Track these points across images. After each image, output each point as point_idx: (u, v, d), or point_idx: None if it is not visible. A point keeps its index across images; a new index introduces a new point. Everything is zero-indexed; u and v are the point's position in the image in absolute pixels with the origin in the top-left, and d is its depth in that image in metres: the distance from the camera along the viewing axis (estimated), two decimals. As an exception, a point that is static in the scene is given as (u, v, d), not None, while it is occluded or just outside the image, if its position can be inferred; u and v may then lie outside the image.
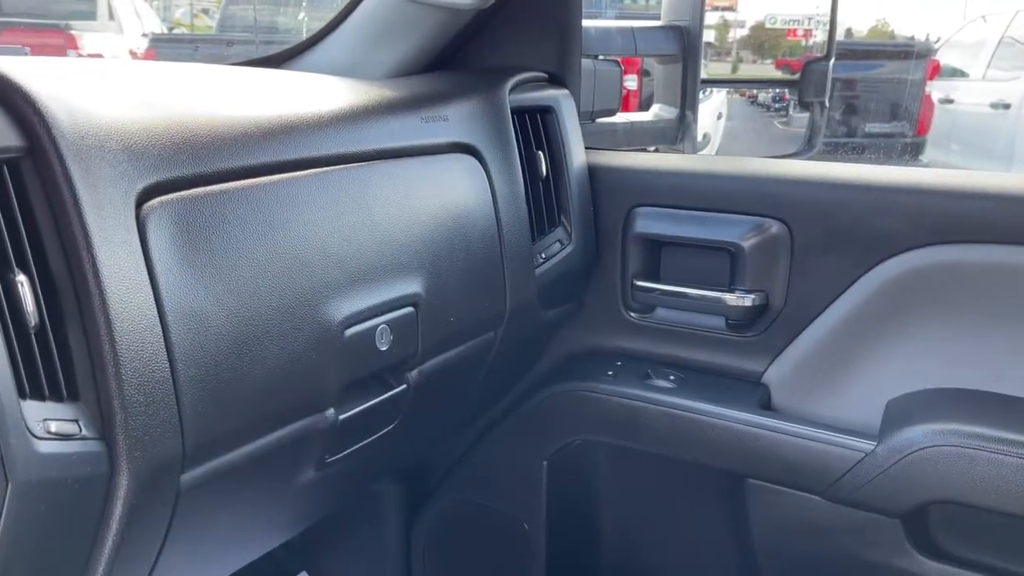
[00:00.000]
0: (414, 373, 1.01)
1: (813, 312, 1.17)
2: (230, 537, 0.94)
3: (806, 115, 2.29)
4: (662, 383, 1.23)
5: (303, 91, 1.04)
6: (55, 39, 8.31)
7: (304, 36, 1.33)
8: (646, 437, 1.22)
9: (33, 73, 0.67)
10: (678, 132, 1.86)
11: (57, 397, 0.63)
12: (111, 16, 9.44)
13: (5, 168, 0.62)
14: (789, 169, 1.27)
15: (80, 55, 8.55)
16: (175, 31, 11.67)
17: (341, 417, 0.91)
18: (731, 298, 1.21)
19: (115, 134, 0.70)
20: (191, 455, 0.73)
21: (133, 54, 9.18)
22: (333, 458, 0.95)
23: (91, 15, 9.19)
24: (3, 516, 0.57)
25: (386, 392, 0.98)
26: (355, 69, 1.24)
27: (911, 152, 6.05)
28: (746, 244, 1.19)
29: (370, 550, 1.47)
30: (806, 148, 2.26)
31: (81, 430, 0.64)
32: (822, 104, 2.21)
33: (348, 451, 0.96)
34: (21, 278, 0.61)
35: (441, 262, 1.02)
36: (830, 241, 1.15)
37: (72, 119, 0.66)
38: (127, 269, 0.67)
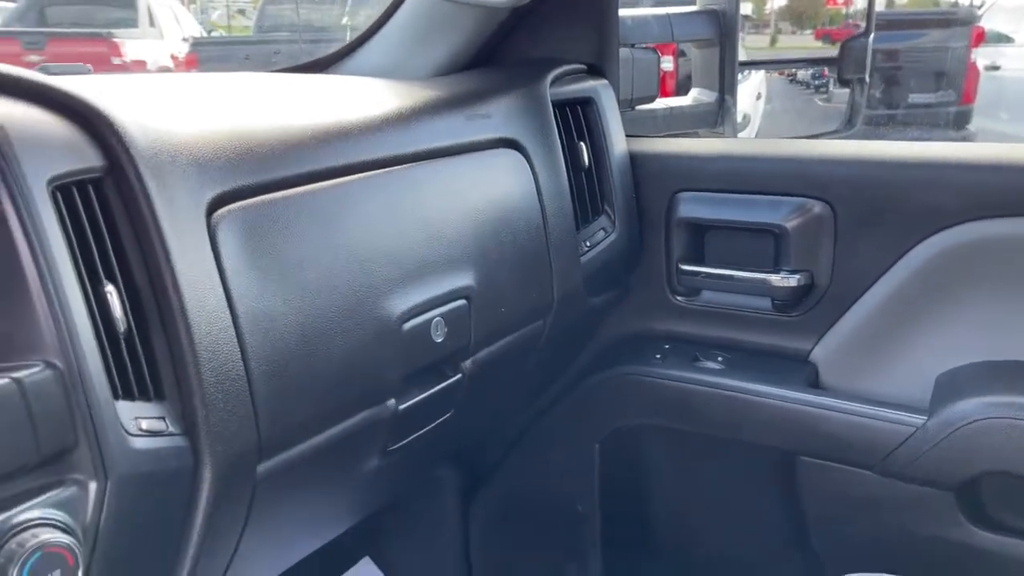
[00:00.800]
0: (468, 363, 1.05)
1: (859, 290, 1.18)
2: (302, 524, 0.99)
3: (847, 91, 2.27)
4: (711, 365, 1.25)
5: (353, 96, 1.08)
6: (99, 47, 8.50)
7: (347, 33, 1.37)
8: (696, 419, 1.25)
9: (108, 94, 0.72)
10: (718, 116, 1.87)
11: (145, 397, 0.68)
12: (151, 22, 9.62)
13: (91, 187, 0.66)
14: (830, 149, 1.28)
15: (124, 62, 8.74)
16: (213, 33, 11.86)
17: (401, 407, 0.95)
18: (776, 279, 1.22)
19: (185, 149, 0.74)
20: (266, 447, 0.78)
21: (175, 59, 9.37)
22: (395, 446, 0.99)
23: (132, 22, 9.38)
24: (104, 509, 0.62)
25: (442, 382, 1.02)
26: (398, 70, 1.28)
27: (957, 122, 5.93)
28: (790, 225, 1.20)
29: (429, 535, 1.52)
30: (846, 126, 2.24)
31: (168, 427, 0.68)
32: (862, 81, 2.19)
33: (409, 439, 1.01)
34: (109, 288, 0.65)
35: (490, 255, 1.05)
36: (874, 219, 1.16)
37: (146, 137, 0.70)
38: (201, 276, 0.71)
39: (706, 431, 1.25)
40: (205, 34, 10.90)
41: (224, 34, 12.04)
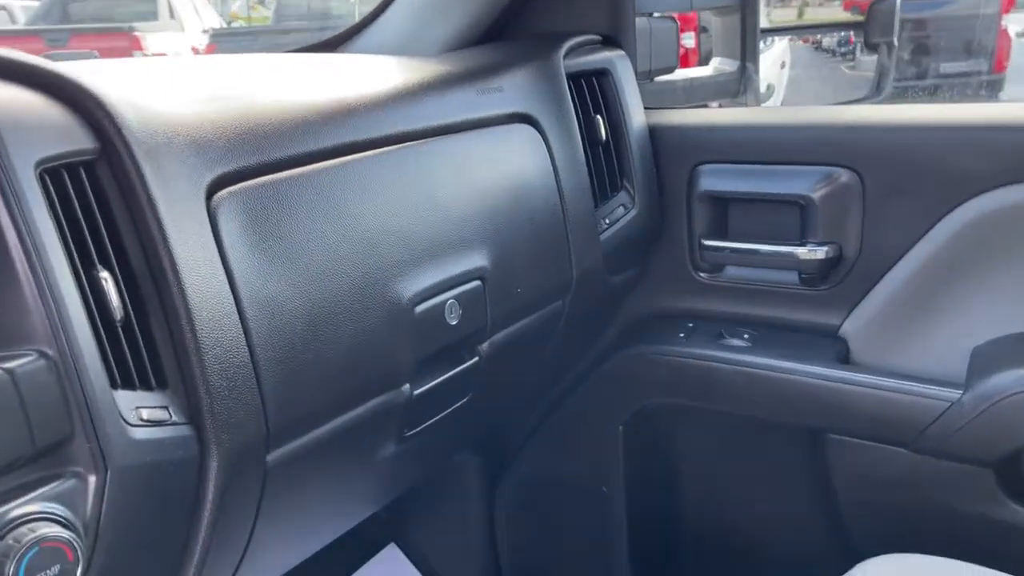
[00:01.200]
0: (485, 346, 1.02)
1: (889, 261, 1.13)
2: (318, 513, 0.97)
3: (874, 58, 2.20)
4: (736, 342, 1.22)
5: (359, 73, 1.05)
6: (121, 42, 8.55)
7: (357, 19, 1.34)
8: (722, 397, 1.21)
9: (100, 76, 0.69)
10: (740, 85, 1.82)
11: (147, 386, 0.66)
12: (172, 15, 9.66)
13: (82, 170, 0.64)
14: (856, 115, 1.23)
15: (145, 55, 8.79)
16: (233, 24, 11.88)
17: (416, 392, 0.93)
18: (803, 252, 1.18)
19: (182, 129, 0.72)
20: (275, 435, 0.76)
21: (195, 51, 9.40)
22: (411, 432, 0.97)
23: (152, 15, 9.42)
24: (104, 501, 0.60)
25: (459, 366, 0.99)
26: (408, 47, 1.24)
27: (989, 90, 5.78)
28: (816, 195, 1.16)
29: (454, 520, 1.50)
30: (874, 92, 2.17)
31: (171, 416, 0.66)
32: (890, 45, 2.12)
33: (426, 424, 0.98)
34: (104, 274, 0.63)
35: (505, 234, 1.02)
36: (904, 186, 1.11)
37: (140, 118, 0.68)
38: (202, 260, 0.69)
39: (732, 409, 1.22)
40: (225, 25, 10.92)
41: (244, 24, 12.06)
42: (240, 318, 0.71)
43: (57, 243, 0.60)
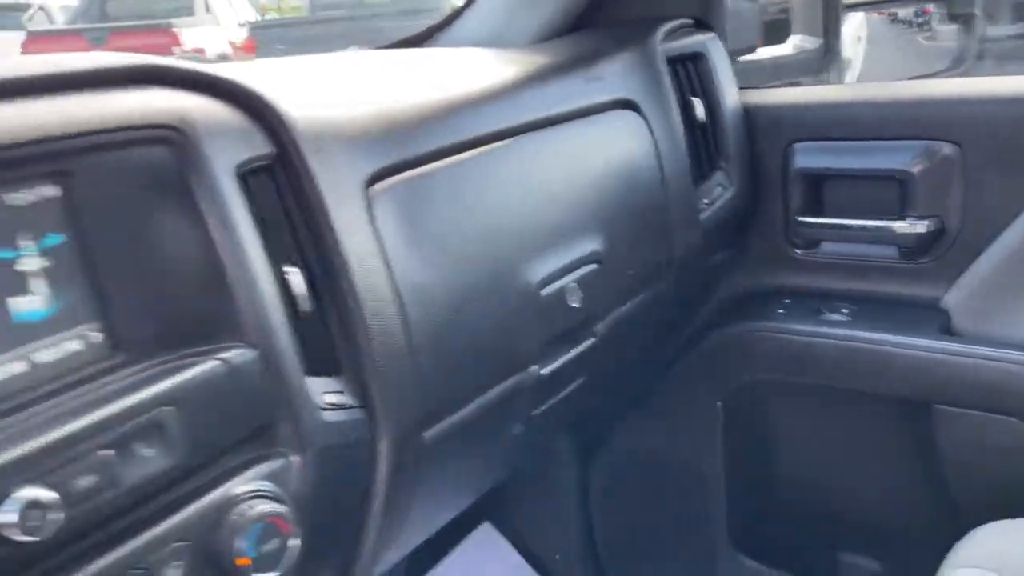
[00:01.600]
0: (600, 326, 1.05)
1: (992, 232, 1.14)
2: (450, 492, 1.01)
3: (951, 27, 2.16)
4: (835, 317, 1.23)
5: (470, 67, 1.08)
6: (161, 39, 8.66)
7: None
8: (824, 371, 1.23)
9: (266, 83, 0.73)
10: (822, 62, 1.81)
11: (327, 373, 0.70)
12: (207, 8, 9.75)
13: (264, 174, 0.68)
14: (957, 88, 1.24)
15: (184, 51, 8.89)
16: (266, 17, 11.95)
17: (543, 372, 0.96)
18: (902, 226, 1.19)
19: (341, 131, 0.76)
20: (429, 416, 0.80)
21: (232, 44, 9.48)
22: (536, 411, 1.00)
23: (189, 11, 9.51)
24: (306, 481, 0.64)
25: (578, 347, 1.02)
26: (497, 40, 1.27)
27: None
28: (915, 170, 1.17)
29: (549, 499, 1.53)
30: (955, 64, 2.14)
31: (348, 400, 0.70)
32: (972, 16, 2.09)
33: (549, 404, 1.02)
34: (293, 270, 0.67)
35: (616, 218, 1.05)
36: (1007, 158, 1.12)
37: (308, 123, 0.72)
38: (366, 252, 0.73)
39: (834, 384, 1.24)
40: (259, 17, 10.99)
41: (276, 15, 12.12)
42: (399, 305, 0.75)
43: (256, 242, 0.64)
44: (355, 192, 0.74)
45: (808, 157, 1.25)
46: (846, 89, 1.30)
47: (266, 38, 8.54)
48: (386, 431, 0.73)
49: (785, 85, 1.65)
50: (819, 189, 1.27)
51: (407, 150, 0.81)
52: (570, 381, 1.05)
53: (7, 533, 0.48)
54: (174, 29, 8.91)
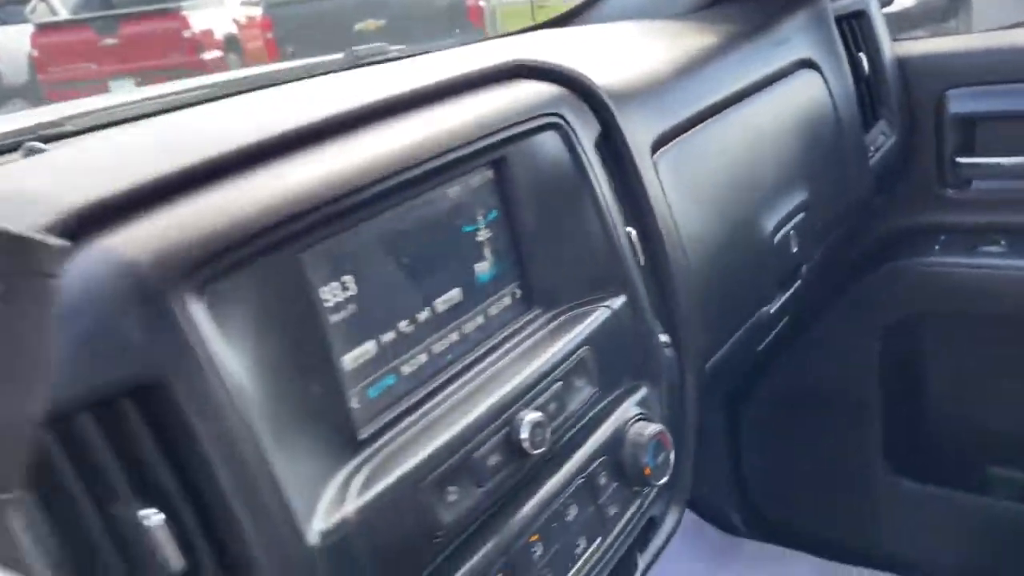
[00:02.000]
0: (804, 269, 1.16)
1: None
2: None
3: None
4: (992, 249, 1.34)
5: (671, 37, 1.17)
6: (171, 23, 8.65)
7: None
8: (982, 302, 1.34)
9: (574, 60, 0.82)
10: (948, 10, 1.88)
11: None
12: (210, -11, 9.70)
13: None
14: None
15: (193, 34, 8.88)
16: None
17: (771, 311, 1.07)
18: None
19: (633, 102, 0.86)
20: (709, 353, 0.91)
21: (237, 23, 9.45)
22: (760, 347, 1.11)
23: (192, -8, 9.47)
24: (661, 409, 0.76)
25: (791, 288, 1.13)
26: (656, 11, 1.35)
27: None
28: None
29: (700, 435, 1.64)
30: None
31: (667, 340, 0.81)
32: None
33: (766, 343, 1.12)
34: (630, 229, 0.77)
35: (814, 170, 1.15)
36: None
37: (623, 103, 0.82)
38: (662, 208, 0.83)
39: (990, 311, 1.34)
40: (262, -5, 10.90)
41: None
42: (683, 252, 0.86)
43: (616, 206, 0.75)
44: (645, 152, 0.84)
45: (962, 102, 1.34)
46: (993, 36, 1.38)
47: (283, 14, 8.52)
48: (689, 366, 0.84)
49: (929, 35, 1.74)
50: (972, 132, 1.36)
51: (676, 116, 0.91)
52: (779, 321, 1.16)
53: (524, 447, 0.59)
54: (183, 12, 8.88)
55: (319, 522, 0.47)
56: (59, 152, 0.64)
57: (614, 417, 0.71)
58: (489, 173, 0.67)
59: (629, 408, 0.72)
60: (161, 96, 0.92)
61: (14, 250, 0.33)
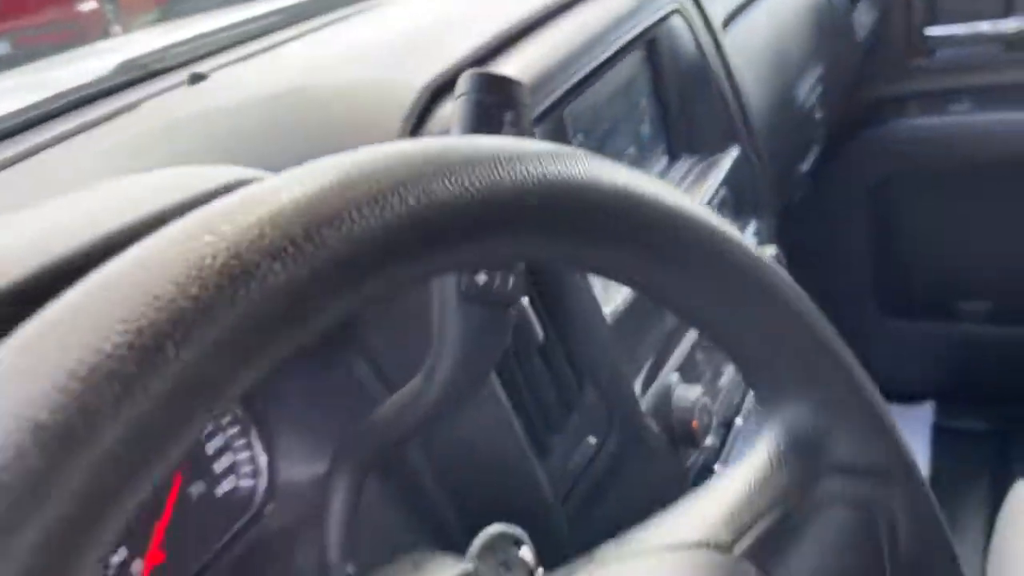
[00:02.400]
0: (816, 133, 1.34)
1: None
2: None
3: None
4: (959, 107, 1.55)
5: None
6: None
7: None
8: (953, 155, 1.55)
9: None
10: None
11: None
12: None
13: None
14: None
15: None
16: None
17: (803, 169, 1.26)
18: (1008, 24, 1.49)
19: None
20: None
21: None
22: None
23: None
24: None
25: (818, 149, 1.32)
26: None
27: None
28: None
29: None
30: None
31: None
32: None
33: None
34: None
35: (820, 48, 1.33)
36: None
37: None
38: (741, 75, 0.99)
39: (963, 162, 1.56)
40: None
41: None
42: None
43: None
44: (723, 34, 1.00)
45: None
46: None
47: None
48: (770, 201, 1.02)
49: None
50: (934, 8, 1.56)
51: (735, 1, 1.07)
52: (807, 182, 1.35)
53: None
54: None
55: None
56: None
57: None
58: (644, 53, 0.81)
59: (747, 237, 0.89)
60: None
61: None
